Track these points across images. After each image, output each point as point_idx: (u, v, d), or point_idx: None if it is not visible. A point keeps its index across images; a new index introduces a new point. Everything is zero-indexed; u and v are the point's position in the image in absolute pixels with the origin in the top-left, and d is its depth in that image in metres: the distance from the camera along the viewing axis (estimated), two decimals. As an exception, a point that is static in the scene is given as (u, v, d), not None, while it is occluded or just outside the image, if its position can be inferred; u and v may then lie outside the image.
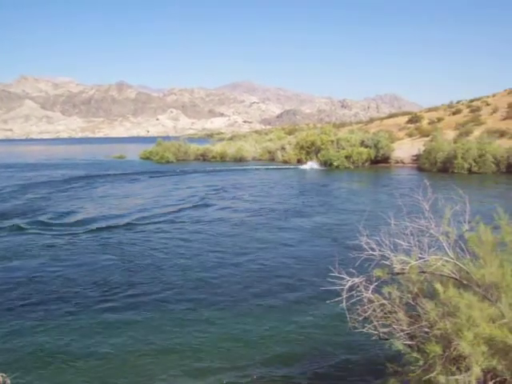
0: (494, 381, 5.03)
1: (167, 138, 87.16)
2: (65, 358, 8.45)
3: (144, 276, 13.03)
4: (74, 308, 10.73)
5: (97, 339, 9.13)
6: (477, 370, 4.80)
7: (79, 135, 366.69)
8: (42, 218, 21.35)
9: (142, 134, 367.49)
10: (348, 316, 6.08)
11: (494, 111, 64.66)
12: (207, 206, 24.95)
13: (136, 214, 22.57)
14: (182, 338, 9.15)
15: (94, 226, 19.82)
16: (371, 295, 6.01)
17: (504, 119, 58.41)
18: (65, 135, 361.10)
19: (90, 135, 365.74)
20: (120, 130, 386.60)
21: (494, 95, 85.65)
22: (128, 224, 20.12)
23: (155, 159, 61.48)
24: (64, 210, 23.93)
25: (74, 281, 12.70)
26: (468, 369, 4.89)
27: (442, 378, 5.11)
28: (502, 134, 49.25)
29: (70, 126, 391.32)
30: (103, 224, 20.06)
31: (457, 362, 5.13)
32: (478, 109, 69.24)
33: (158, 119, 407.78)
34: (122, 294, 11.58)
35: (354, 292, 6.02)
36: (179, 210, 23.50)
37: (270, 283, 12.36)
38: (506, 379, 4.96)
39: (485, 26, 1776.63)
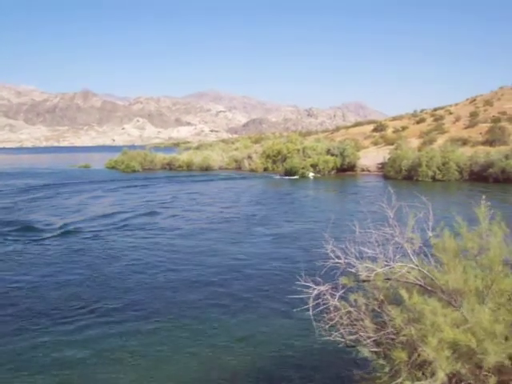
0: (458, 385, 5.10)
1: (133, 147, 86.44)
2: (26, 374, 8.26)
3: (97, 287, 12.83)
4: (33, 322, 10.50)
5: (59, 353, 8.95)
6: (441, 375, 4.86)
7: (43, 144, 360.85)
8: None
9: (108, 143, 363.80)
10: (315, 324, 6.10)
11: (457, 120, 66.10)
12: (170, 216, 24.65)
13: (91, 221, 22.23)
14: (146, 349, 9.04)
15: (53, 233, 19.54)
16: (337, 303, 6.05)
17: (466, 127, 59.72)
18: (28, 144, 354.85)
19: (55, 144, 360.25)
20: (85, 139, 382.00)
21: (456, 104, 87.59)
22: (76, 231, 19.93)
23: (121, 168, 60.85)
24: (15, 218, 23.44)
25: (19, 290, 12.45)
26: (433, 374, 4.95)
27: (407, 384, 5.17)
28: (464, 142, 50.38)
29: (33, 134, 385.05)
30: (59, 231, 19.81)
31: (422, 368, 5.19)
32: (442, 117, 70.74)
33: (123, 128, 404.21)
34: (75, 306, 11.38)
35: (320, 300, 6.04)
36: (135, 218, 23.27)
37: (234, 294, 12.21)
38: (470, 383, 5.03)
39: (447, 38, 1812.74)
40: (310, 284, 6.12)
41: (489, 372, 4.95)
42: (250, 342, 9.26)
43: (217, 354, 8.78)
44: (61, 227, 20.92)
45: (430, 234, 6.11)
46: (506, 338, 5.04)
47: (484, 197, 5.99)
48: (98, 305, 11.35)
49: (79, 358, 8.68)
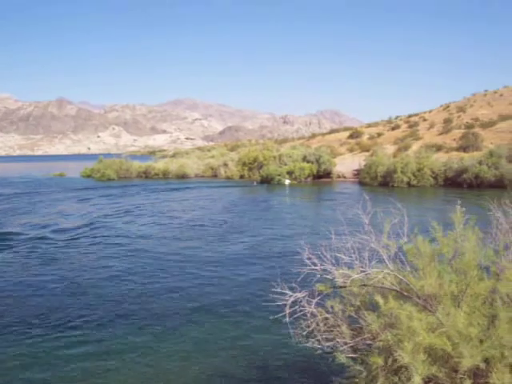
0: (434, 389, 5.13)
1: (109, 155, 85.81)
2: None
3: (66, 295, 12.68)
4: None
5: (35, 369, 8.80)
6: (418, 379, 4.88)
7: (17, 153, 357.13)
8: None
9: (83, 151, 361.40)
10: (292, 331, 6.10)
11: (431, 126, 67.05)
12: (145, 223, 24.47)
13: (64, 230, 21.92)
14: (124, 360, 8.94)
15: (25, 242, 19.28)
16: (314, 309, 6.06)
17: (440, 134, 60.55)
18: (2, 153, 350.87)
19: (29, 153, 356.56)
20: (60, 148, 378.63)
21: (430, 111, 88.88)
22: (49, 240, 19.68)
23: (96, 177, 60.30)
24: None
25: None
26: (409, 378, 4.97)
27: (384, 389, 5.19)
28: (438, 148, 51.02)
29: (7, 143, 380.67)
30: (31, 240, 19.53)
31: (399, 373, 5.21)
32: (416, 124, 71.77)
33: (99, 136, 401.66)
34: (48, 317, 11.23)
35: (297, 307, 6.04)
36: (109, 226, 23.03)
37: (208, 301, 12.08)
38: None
39: (421, 45, 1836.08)
40: (287, 291, 6.12)
41: (464, 375, 4.99)
42: (225, 351, 9.17)
43: (190, 364, 8.68)
44: (33, 236, 20.63)
45: (404, 239, 6.17)
46: (481, 341, 5.08)
47: (459, 202, 6.07)
48: (66, 315, 11.20)
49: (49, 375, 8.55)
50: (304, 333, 6.09)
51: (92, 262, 16.32)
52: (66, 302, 12.09)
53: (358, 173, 48.56)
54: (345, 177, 50.77)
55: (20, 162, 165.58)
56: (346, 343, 5.89)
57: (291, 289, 6.14)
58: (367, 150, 54.92)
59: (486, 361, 5.02)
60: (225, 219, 24.97)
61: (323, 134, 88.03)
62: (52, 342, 9.67)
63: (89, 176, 63.46)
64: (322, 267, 6.05)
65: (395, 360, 5.15)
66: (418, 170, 42.46)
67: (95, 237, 20.57)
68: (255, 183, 48.63)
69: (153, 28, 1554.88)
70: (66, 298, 12.44)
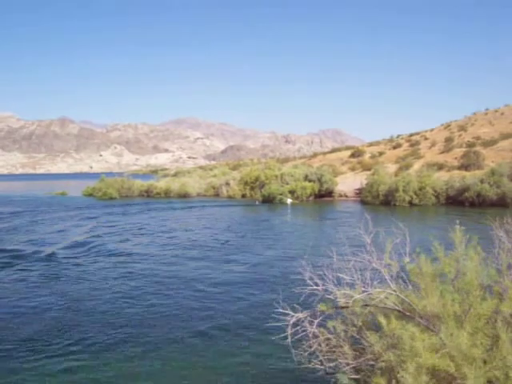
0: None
1: (111, 174, 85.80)
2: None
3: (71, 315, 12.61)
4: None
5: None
6: (421, 401, 4.84)
7: (19, 171, 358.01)
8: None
9: (85, 170, 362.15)
10: (293, 351, 6.06)
11: (433, 145, 67.20)
12: (146, 243, 24.39)
13: (65, 249, 21.79)
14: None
15: (26, 260, 19.21)
16: (316, 330, 6.02)
17: (442, 152, 60.65)
18: (4, 171, 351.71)
19: (31, 171, 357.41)
20: (62, 166, 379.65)
21: (431, 130, 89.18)
22: (49, 259, 19.55)
23: (98, 196, 60.28)
24: None
25: None
26: (412, 400, 4.92)
27: (387, 411, 5.13)
28: (440, 166, 51.11)
29: (9, 161, 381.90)
30: (32, 259, 19.45)
31: (402, 394, 5.16)
32: (417, 143, 71.92)
33: (101, 155, 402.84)
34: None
35: (299, 327, 6.01)
36: (110, 246, 22.91)
37: (210, 322, 12.01)
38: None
39: (422, 64, 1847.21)
40: (289, 311, 6.10)
41: (468, 397, 4.94)
42: (227, 372, 9.09)
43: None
44: (33, 255, 20.57)
45: (406, 259, 6.15)
46: (485, 362, 5.04)
47: (458, 221, 6.05)
48: (67, 338, 11.13)
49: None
50: (306, 353, 6.05)
51: (92, 282, 16.24)
52: (66, 324, 11.99)
53: (359, 192, 48.53)
54: (346, 196, 50.75)
55: (22, 180, 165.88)
56: (348, 364, 5.85)
57: (293, 309, 6.11)
58: (369, 169, 54.94)
59: (490, 382, 4.98)
60: (227, 239, 24.91)
61: (325, 153, 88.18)
62: (52, 366, 9.60)
63: (90, 195, 63.47)
64: (324, 287, 6.04)
65: (398, 381, 5.11)
66: (420, 189, 42.46)
67: (95, 256, 20.49)
68: (257, 202, 48.56)
69: (155, 47, 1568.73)
70: (66, 320, 12.35)
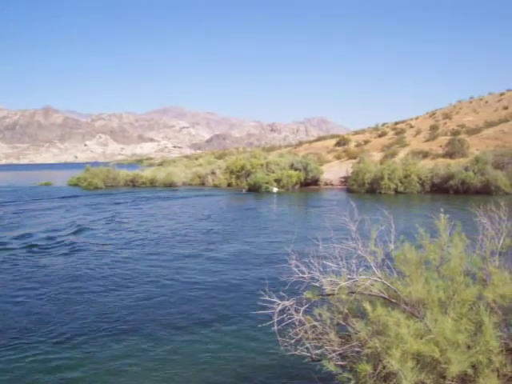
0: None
1: (96, 163, 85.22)
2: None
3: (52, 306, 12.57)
4: None
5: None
6: (406, 386, 4.89)
7: (3, 162, 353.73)
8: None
9: (70, 160, 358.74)
10: (280, 339, 6.08)
11: (418, 133, 67.56)
12: (131, 232, 24.31)
13: (48, 239, 21.72)
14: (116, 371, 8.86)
15: (10, 251, 19.16)
16: (302, 317, 6.05)
17: (427, 140, 60.99)
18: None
19: (15, 162, 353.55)
20: (47, 156, 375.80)
21: (416, 118, 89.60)
22: (34, 249, 19.57)
23: (83, 185, 59.92)
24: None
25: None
26: (398, 385, 4.98)
27: (373, 397, 5.18)
28: (425, 154, 51.42)
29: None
30: (17, 249, 19.37)
31: (387, 380, 5.22)
32: (403, 131, 72.22)
33: (86, 145, 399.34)
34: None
35: (285, 315, 6.03)
36: (95, 235, 22.90)
37: (196, 311, 12.01)
38: (434, 394, 5.08)
39: (406, 52, 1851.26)
40: (275, 299, 6.11)
41: (452, 381, 5.01)
42: (212, 361, 9.12)
43: (175, 375, 8.62)
44: (18, 245, 20.44)
45: (391, 246, 6.19)
46: (469, 347, 5.11)
47: (443, 209, 6.10)
48: (55, 328, 11.09)
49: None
50: (292, 341, 6.07)
51: (77, 272, 16.17)
52: (53, 315, 11.96)
53: (345, 180, 48.72)
54: (332, 184, 50.90)
55: (6, 171, 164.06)
56: (334, 351, 5.88)
57: (279, 297, 6.13)
58: (354, 158, 55.11)
59: (474, 366, 5.04)
60: (212, 227, 24.91)
61: (310, 142, 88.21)
62: (43, 356, 9.58)
63: (76, 185, 63.04)
64: (310, 275, 6.06)
65: (384, 367, 5.15)
66: (405, 177, 42.71)
67: (81, 246, 20.38)
68: (243, 191, 48.53)
69: (140, 37, 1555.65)
70: (54, 311, 12.32)
